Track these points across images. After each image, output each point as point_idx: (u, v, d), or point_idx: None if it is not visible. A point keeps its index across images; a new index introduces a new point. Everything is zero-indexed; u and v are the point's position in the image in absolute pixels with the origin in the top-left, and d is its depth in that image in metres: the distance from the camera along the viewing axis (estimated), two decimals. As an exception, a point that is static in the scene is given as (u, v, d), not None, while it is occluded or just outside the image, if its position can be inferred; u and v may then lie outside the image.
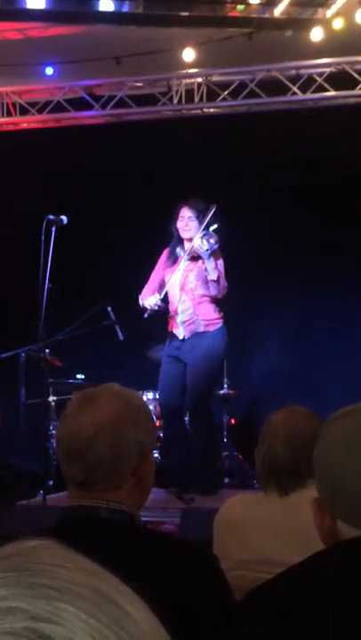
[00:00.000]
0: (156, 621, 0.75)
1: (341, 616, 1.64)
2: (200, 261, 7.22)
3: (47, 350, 7.38)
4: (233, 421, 8.59)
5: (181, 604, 1.93)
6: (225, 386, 8.35)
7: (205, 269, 7.16)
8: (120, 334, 7.92)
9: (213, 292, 7.23)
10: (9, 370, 7.85)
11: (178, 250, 7.40)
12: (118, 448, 2.16)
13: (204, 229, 7.18)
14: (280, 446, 3.01)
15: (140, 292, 7.52)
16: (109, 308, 7.93)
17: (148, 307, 7.30)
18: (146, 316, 7.38)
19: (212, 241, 7.05)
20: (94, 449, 2.15)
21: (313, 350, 9.18)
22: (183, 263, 7.30)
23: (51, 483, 7.38)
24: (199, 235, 7.15)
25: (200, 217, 7.23)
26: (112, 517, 2.15)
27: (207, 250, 7.04)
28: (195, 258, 7.25)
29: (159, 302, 7.27)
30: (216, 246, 7.06)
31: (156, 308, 7.29)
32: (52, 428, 7.90)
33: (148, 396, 8.11)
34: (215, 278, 7.13)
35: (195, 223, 7.24)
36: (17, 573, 0.71)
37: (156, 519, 6.31)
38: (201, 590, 2.04)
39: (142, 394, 8.04)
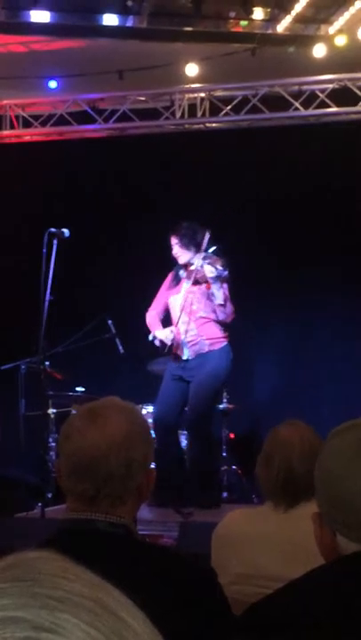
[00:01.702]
0: (157, 634, 0.76)
1: (341, 631, 1.64)
2: (203, 285, 7.22)
3: (47, 362, 7.38)
4: (232, 436, 8.58)
5: (179, 618, 1.93)
6: (224, 400, 8.34)
7: (212, 294, 7.16)
8: (120, 347, 7.92)
9: (221, 316, 7.23)
10: (9, 382, 7.84)
11: (180, 273, 7.41)
12: (129, 464, 2.17)
13: (203, 252, 7.18)
14: (296, 459, 3.01)
15: (143, 307, 7.51)
16: (110, 321, 7.93)
17: (162, 338, 7.30)
18: (158, 345, 7.38)
19: (219, 267, 7.02)
20: (106, 465, 2.15)
21: (312, 365, 9.19)
22: (185, 285, 7.30)
23: (50, 495, 7.36)
24: (199, 258, 7.14)
25: (184, 241, 7.23)
26: (110, 530, 2.15)
27: (216, 275, 7.03)
28: (197, 281, 7.23)
29: (172, 337, 7.27)
30: (225, 273, 7.04)
31: (169, 343, 7.28)
32: (51, 440, 7.89)
33: (148, 409, 8.10)
34: (222, 302, 7.13)
35: (182, 249, 7.25)
36: (19, 584, 0.72)
37: (155, 533, 6.30)
38: (199, 605, 2.04)
39: (142, 407, 8.03)
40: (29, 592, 0.71)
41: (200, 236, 7.23)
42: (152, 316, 7.48)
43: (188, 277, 7.24)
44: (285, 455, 3.07)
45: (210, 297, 7.20)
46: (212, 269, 7.01)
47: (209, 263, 7.06)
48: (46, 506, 6.77)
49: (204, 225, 7.30)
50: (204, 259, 7.12)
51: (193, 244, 7.21)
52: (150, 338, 7.38)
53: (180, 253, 7.26)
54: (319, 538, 1.86)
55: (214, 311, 7.24)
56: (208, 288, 7.18)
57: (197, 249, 7.20)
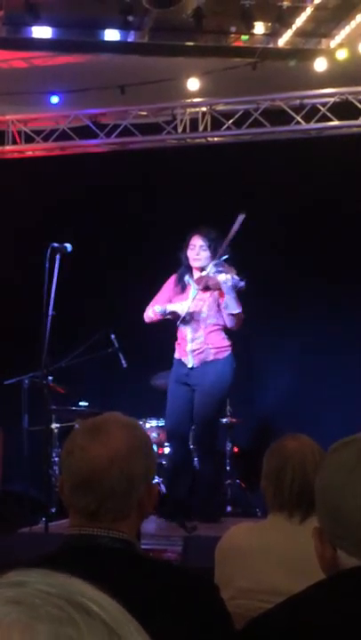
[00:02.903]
0: None
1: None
2: (215, 292, 7.18)
3: (50, 377, 7.38)
4: (236, 449, 8.58)
5: (181, 633, 1.93)
6: (228, 414, 8.34)
7: (225, 303, 7.10)
8: (123, 361, 7.91)
9: (230, 324, 7.18)
10: (12, 396, 7.84)
11: (187, 278, 7.34)
12: (130, 479, 2.17)
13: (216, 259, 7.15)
14: (310, 469, 3.01)
15: (144, 322, 7.49)
16: (113, 336, 7.93)
17: (177, 310, 7.21)
18: (170, 317, 7.29)
19: (235, 276, 6.99)
20: (109, 479, 2.16)
21: (315, 379, 9.18)
22: (193, 292, 7.26)
23: (53, 510, 7.37)
24: (212, 264, 7.11)
25: (212, 246, 7.19)
26: (113, 546, 2.16)
27: (232, 285, 6.97)
28: (208, 288, 7.19)
29: (186, 309, 7.20)
30: (242, 284, 6.95)
31: (183, 314, 7.18)
32: (54, 455, 7.89)
33: (152, 423, 8.11)
34: (235, 312, 7.08)
35: (206, 253, 7.18)
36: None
37: (159, 547, 6.29)
38: (201, 619, 2.04)
39: (145, 421, 8.04)
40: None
41: (221, 244, 7.19)
42: (152, 309, 7.34)
43: (198, 283, 7.21)
44: (299, 465, 3.07)
45: (220, 304, 7.18)
46: (228, 278, 6.94)
47: (223, 271, 7.02)
48: (50, 521, 6.76)
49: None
50: (216, 265, 7.10)
51: (215, 250, 7.18)
52: (161, 310, 7.25)
53: (203, 256, 7.20)
54: (320, 552, 1.86)
55: (223, 318, 7.22)
56: (222, 296, 7.13)
57: (214, 256, 7.18)
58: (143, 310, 7.50)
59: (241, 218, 7.10)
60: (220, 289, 7.08)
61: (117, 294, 9.25)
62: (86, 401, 8.49)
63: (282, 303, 9.22)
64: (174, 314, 7.22)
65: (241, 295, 7.10)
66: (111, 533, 2.16)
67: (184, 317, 7.18)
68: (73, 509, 2.22)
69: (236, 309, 7.07)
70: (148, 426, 8.08)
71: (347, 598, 1.71)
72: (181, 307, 7.20)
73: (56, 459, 7.89)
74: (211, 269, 7.09)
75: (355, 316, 9.05)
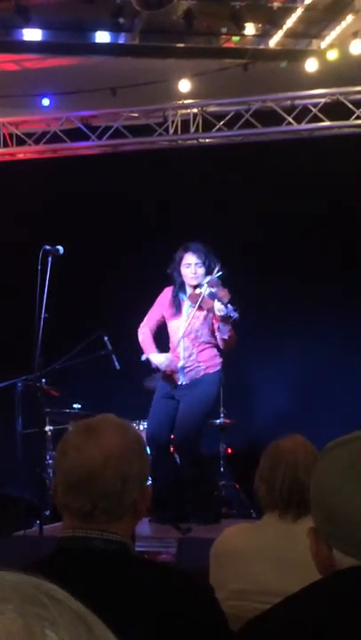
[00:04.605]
0: None
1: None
2: (208, 312, 7.18)
3: (44, 380, 7.37)
4: (229, 450, 8.57)
5: (177, 635, 1.93)
6: (221, 415, 8.34)
7: (218, 328, 7.10)
8: (117, 364, 7.91)
9: (221, 345, 7.21)
10: (5, 400, 7.83)
11: (181, 295, 7.33)
12: (124, 479, 2.18)
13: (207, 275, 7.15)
14: (302, 469, 3.02)
15: (139, 324, 7.49)
16: (106, 338, 7.92)
17: (157, 364, 7.31)
18: (152, 367, 7.39)
19: (229, 305, 6.87)
20: (103, 479, 2.16)
21: (308, 380, 9.19)
22: (187, 309, 7.27)
23: (47, 513, 7.35)
24: (206, 284, 7.10)
25: (206, 262, 7.18)
26: (107, 548, 2.15)
27: (225, 315, 6.92)
28: (202, 307, 7.18)
29: (167, 364, 7.27)
30: (236, 315, 6.91)
31: (163, 369, 7.30)
32: (48, 457, 7.88)
33: (145, 425, 8.10)
34: (226, 337, 7.10)
35: (202, 270, 7.17)
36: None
37: (153, 549, 6.29)
38: (196, 621, 2.03)
39: (139, 423, 8.03)
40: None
41: (213, 261, 7.19)
42: (145, 334, 7.42)
43: (193, 301, 7.19)
44: (291, 465, 3.08)
45: (213, 324, 7.19)
46: (222, 308, 6.91)
47: (216, 297, 6.99)
48: (44, 524, 6.76)
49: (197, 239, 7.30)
50: (209, 284, 7.08)
51: (208, 268, 7.18)
52: (143, 358, 7.38)
53: (200, 273, 7.18)
54: (315, 553, 1.86)
55: (215, 338, 7.23)
56: (216, 321, 7.13)
57: (208, 273, 7.17)
58: (136, 312, 7.52)
59: (218, 266, 7.17)
60: (211, 311, 7.10)
61: (110, 296, 9.25)
62: (80, 403, 8.47)
63: (277, 304, 9.22)
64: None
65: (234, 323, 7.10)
66: (105, 535, 2.16)
67: (165, 372, 7.31)
68: (67, 511, 2.22)
69: (226, 336, 7.08)
70: (141, 428, 8.07)
71: (343, 598, 1.71)
72: (158, 359, 7.29)
73: (50, 461, 7.88)
74: (206, 291, 7.08)
75: (352, 317, 9.06)
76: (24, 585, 0.77)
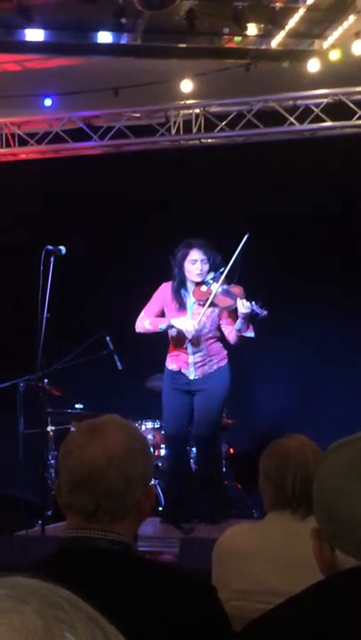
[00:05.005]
0: None
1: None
2: (216, 308, 7.16)
3: (46, 380, 7.37)
4: (231, 450, 8.58)
5: (179, 635, 1.93)
6: (223, 415, 8.33)
7: (238, 325, 7.00)
8: (119, 364, 7.91)
9: (233, 340, 7.18)
10: (7, 400, 7.83)
11: (183, 292, 7.26)
12: (127, 479, 2.18)
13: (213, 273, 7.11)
14: (311, 467, 3.01)
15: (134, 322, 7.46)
16: (108, 338, 7.92)
17: (182, 328, 7.11)
18: (173, 335, 7.21)
19: (255, 305, 6.85)
20: (106, 479, 2.16)
21: (310, 380, 9.19)
22: (191, 306, 7.22)
23: (49, 513, 7.35)
24: (214, 281, 7.07)
25: (211, 259, 7.14)
26: (110, 548, 2.15)
27: (251, 313, 6.85)
28: (212, 304, 7.14)
29: (193, 331, 7.15)
30: (265, 313, 6.88)
31: (189, 336, 7.12)
32: (50, 457, 7.88)
33: (147, 425, 8.10)
34: (245, 334, 7.05)
35: (207, 266, 7.12)
36: None
37: (155, 549, 6.28)
38: (198, 621, 2.03)
39: (141, 423, 8.03)
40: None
41: (217, 257, 7.17)
42: (149, 318, 7.23)
43: (200, 298, 7.15)
44: (301, 464, 3.08)
45: (220, 319, 7.16)
46: (248, 305, 6.86)
47: (229, 292, 6.96)
48: (46, 524, 6.76)
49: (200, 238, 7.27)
50: (215, 279, 7.04)
51: (213, 262, 7.17)
52: (163, 327, 7.17)
53: (205, 270, 7.12)
54: (318, 553, 1.86)
55: (220, 331, 7.21)
56: (225, 317, 7.10)
57: (211, 269, 7.15)
58: (138, 312, 7.47)
59: (245, 237, 7.05)
60: (228, 308, 7.05)
61: (112, 296, 9.25)
62: (82, 403, 8.48)
63: (279, 304, 9.20)
64: (178, 330, 7.17)
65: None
66: (108, 535, 2.16)
67: (191, 339, 7.16)
68: (70, 510, 2.22)
69: (249, 333, 7.04)
70: (143, 428, 8.08)
71: (346, 599, 1.71)
72: (185, 324, 7.13)
73: (52, 461, 7.89)
74: (214, 286, 7.04)
75: (352, 317, 9.06)
76: (42, 589, 0.79)
